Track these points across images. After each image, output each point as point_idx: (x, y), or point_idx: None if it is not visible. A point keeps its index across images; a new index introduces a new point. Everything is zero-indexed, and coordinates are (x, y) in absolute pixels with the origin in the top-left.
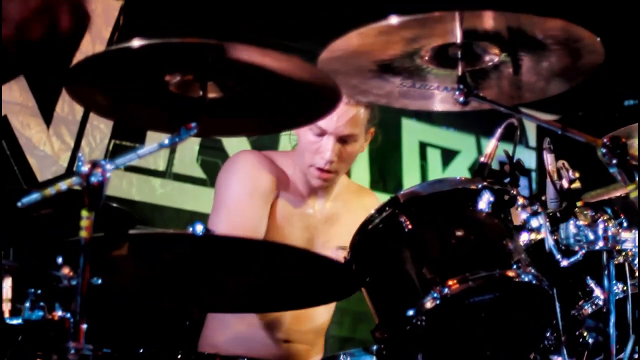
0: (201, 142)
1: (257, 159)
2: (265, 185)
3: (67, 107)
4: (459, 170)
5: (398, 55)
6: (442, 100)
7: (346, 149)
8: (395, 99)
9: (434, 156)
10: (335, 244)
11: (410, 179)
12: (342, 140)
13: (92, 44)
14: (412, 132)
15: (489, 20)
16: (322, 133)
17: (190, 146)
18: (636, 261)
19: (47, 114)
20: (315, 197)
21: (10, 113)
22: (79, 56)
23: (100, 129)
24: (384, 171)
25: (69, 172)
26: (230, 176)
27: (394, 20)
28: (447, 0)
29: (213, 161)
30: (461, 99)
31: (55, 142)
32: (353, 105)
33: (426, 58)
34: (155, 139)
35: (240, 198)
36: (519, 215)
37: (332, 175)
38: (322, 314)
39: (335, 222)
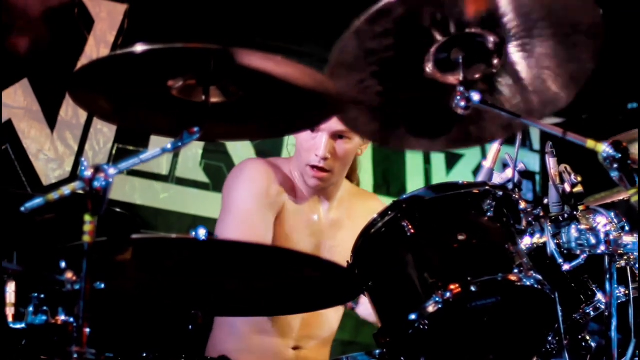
0: (204, 146)
1: (264, 167)
2: (272, 194)
3: (71, 111)
4: (463, 173)
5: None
6: None
7: (340, 147)
8: None
9: (438, 160)
10: (341, 248)
11: (414, 183)
12: (336, 136)
13: (97, 47)
14: None
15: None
16: (315, 129)
17: (194, 150)
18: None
19: (51, 118)
20: (319, 203)
21: (14, 117)
22: (83, 60)
23: (104, 133)
24: (388, 175)
25: (73, 176)
26: (237, 184)
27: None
28: None
29: (216, 165)
30: (462, 104)
31: (60, 146)
32: None
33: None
34: (159, 142)
35: (247, 207)
36: (522, 219)
37: (327, 174)
38: (331, 321)
39: (340, 227)
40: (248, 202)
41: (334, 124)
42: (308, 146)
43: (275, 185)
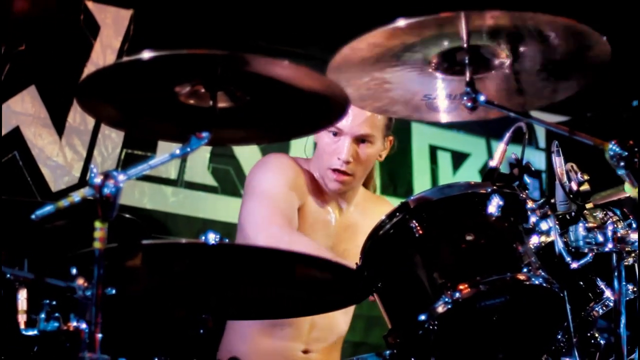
0: (212, 150)
1: (289, 160)
2: (297, 185)
3: (79, 117)
4: (470, 173)
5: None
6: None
7: (363, 151)
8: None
9: (444, 159)
10: (354, 253)
11: (421, 183)
12: (359, 140)
13: (103, 53)
14: (422, 136)
15: (494, 20)
16: (338, 133)
17: (201, 154)
18: None
19: (59, 124)
20: (335, 205)
21: (22, 124)
22: (89, 66)
23: (112, 138)
24: (394, 175)
25: (82, 182)
26: (264, 172)
27: (401, 22)
28: (453, 3)
29: (224, 168)
30: (469, 104)
31: (68, 152)
32: None
33: (434, 65)
34: (167, 147)
35: (275, 190)
36: (529, 218)
37: (349, 178)
38: (340, 324)
39: (354, 232)
40: (276, 187)
41: (357, 127)
42: (330, 150)
43: (299, 178)
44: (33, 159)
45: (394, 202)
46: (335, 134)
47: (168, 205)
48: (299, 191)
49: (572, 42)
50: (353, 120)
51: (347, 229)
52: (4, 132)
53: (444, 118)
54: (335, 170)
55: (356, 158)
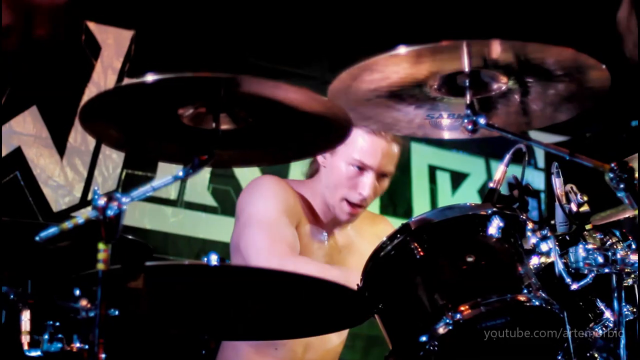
0: (212, 171)
1: (281, 182)
2: (292, 207)
3: (80, 138)
4: (469, 192)
5: (407, 85)
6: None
7: (381, 185)
8: (417, 129)
9: (443, 179)
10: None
11: (420, 203)
12: (380, 176)
13: (104, 74)
14: (421, 156)
15: (496, 49)
16: (363, 168)
17: (202, 174)
18: None
19: (60, 144)
20: (330, 227)
21: (24, 144)
22: (90, 86)
23: (113, 158)
24: (394, 195)
25: (83, 202)
26: (258, 195)
27: (402, 50)
28: (456, 29)
29: (224, 189)
30: (470, 126)
31: (69, 173)
32: (393, 141)
33: (435, 87)
34: (167, 168)
35: (274, 214)
36: (529, 240)
37: (362, 210)
38: (335, 346)
39: (350, 251)
40: (273, 213)
41: (385, 165)
42: (350, 183)
43: (293, 201)
44: (34, 179)
45: (393, 222)
46: (360, 169)
47: (168, 226)
48: (293, 214)
49: (571, 69)
50: (382, 157)
51: (342, 250)
52: (5, 153)
53: (448, 135)
54: (351, 204)
55: (374, 192)
